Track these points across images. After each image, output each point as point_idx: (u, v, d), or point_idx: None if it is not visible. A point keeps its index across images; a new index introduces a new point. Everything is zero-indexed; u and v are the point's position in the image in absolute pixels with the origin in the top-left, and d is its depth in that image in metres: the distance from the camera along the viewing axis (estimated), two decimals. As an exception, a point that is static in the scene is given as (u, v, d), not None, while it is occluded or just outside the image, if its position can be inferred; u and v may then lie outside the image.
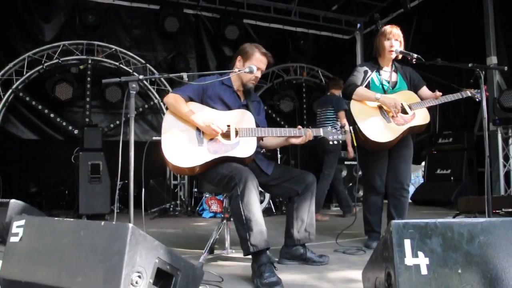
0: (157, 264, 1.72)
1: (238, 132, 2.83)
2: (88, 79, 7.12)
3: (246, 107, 3.05)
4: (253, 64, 2.92)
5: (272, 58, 3.05)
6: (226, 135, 2.82)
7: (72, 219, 1.80)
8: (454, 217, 4.83)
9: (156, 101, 7.62)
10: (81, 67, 7.18)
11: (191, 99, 2.91)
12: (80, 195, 5.43)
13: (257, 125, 2.93)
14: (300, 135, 2.89)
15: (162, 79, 7.64)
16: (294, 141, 2.93)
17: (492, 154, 6.23)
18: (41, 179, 6.77)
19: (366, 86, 3.45)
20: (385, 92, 3.45)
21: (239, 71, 2.90)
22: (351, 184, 7.11)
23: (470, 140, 6.85)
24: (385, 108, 3.34)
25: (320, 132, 2.94)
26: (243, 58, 3.02)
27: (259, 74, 3.00)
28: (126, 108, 2.52)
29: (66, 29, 7.37)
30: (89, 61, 7.12)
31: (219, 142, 2.79)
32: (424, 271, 1.56)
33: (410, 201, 3.85)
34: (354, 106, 3.39)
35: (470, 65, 3.07)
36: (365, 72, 3.51)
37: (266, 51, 3.03)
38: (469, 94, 3.41)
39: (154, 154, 3.21)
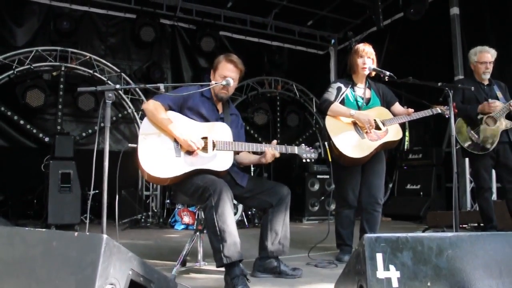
0: (131, 276, 1.71)
1: (216, 145, 2.84)
2: (61, 86, 6.97)
3: (223, 119, 3.06)
4: (220, 73, 2.95)
5: (241, 64, 3.04)
6: (204, 148, 2.83)
7: (43, 229, 1.77)
8: (423, 231, 4.95)
9: (130, 110, 7.54)
10: (54, 73, 7.03)
11: (170, 108, 2.91)
12: (50, 204, 5.28)
13: (233, 139, 2.95)
14: (275, 150, 2.92)
15: (137, 89, 7.59)
16: (263, 161, 2.96)
17: (460, 170, 6.41)
18: (8, 187, 6.54)
19: (340, 102, 3.51)
20: (359, 108, 3.52)
21: (216, 83, 2.92)
22: (323, 197, 7.19)
23: (439, 156, 7.03)
24: (359, 124, 3.41)
25: (295, 150, 2.98)
26: (213, 69, 3.05)
27: (231, 83, 2.97)
28: (101, 117, 2.51)
29: (39, 35, 7.22)
30: (63, 68, 6.99)
31: (196, 154, 2.79)
32: (395, 283, 1.60)
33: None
34: (329, 122, 3.44)
35: (439, 84, 3.18)
36: (339, 89, 3.58)
37: (234, 58, 3.02)
38: (439, 111, 3.53)
39: (126, 164, 3.19)
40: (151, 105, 2.85)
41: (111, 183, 2.40)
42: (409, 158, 7.36)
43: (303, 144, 3.03)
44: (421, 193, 6.93)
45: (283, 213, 2.92)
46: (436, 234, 1.74)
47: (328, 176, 7.15)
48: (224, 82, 2.89)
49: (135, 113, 7.48)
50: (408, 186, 7.21)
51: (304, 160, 2.98)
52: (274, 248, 2.92)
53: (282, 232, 2.93)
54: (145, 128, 2.83)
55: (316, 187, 7.23)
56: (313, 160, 3.00)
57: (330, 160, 3.21)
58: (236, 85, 2.97)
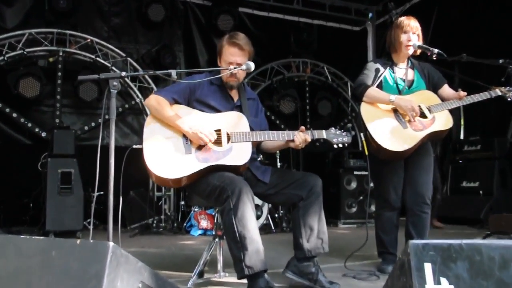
0: (141, 289, 1.72)
1: (230, 137, 2.87)
2: (59, 74, 7.04)
3: (240, 108, 3.08)
4: (225, 60, 2.99)
5: (248, 44, 3.03)
6: (217, 141, 2.86)
7: (41, 237, 1.80)
8: (484, 237, 4.83)
9: (138, 100, 7.61)
10: (51, 59, 7.10)
11: (176, 102, 2.96)
12: (48, 208, 5.36)
13: (252, 128, 2.96)
14: (300, 138, 2.92)
15: (147, 76, 7.65)
16: (291, 144, 2.98)
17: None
18: (0, 189, 6.62)
19: (378, 86, 3.47)
20: (400, 92, 3.48)
21: (234, 68, 2.92)
22: (361, 197, 7.16)
23: (503, 147, 6.79)
24: (400, 112, 3.37)
25: (323, 134, 2.98)
26: (218, 54, 3.08)
27: (235, 71, 2.98)
28: (106, 109, 2.56)
29: (32, 16, 7.25)
30: (60, 53, 7.07)
31: (209, 149, 2.83)
32: (448, 300, 1.57)
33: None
34: (365, 109, 3.41)
35: (501, 61, 3.10)
36: (377, 70, 3.53)
37: (239, 38, 3.01)
38: (500, 93, 3.42)
39: (135, 161, 3.23)
40: (153, 101, 2.91)
41: (118, 184, 2.45)
42: (465, 150, 7.19)
43: (332, 128, 3.02)
44: (481, 192, 6.73)
45: (316, 205, 2.91)
46: (499, 241, 1.68)
47: (367, 173, 7.09)
48: (244, 67, 2.88)
49: (144, 103, 7.54)
50: (464, 184, 7.06)
51: (335, 146, 2.99)
52: (312, 245, 2.89)
53: (317, 226, 2.91)
54: (149, 126, 2.89)
55: (353, 185, 7.22)
56: (346, 145, 3.01)
57: (366, 154, 3.18)
58: (250, 68, 2.92)
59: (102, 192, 5.07)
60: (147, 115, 3.06)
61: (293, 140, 2.94)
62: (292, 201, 2.98)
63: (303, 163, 8.19)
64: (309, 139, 2.94)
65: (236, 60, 2.97)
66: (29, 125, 6.90)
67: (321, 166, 7.83)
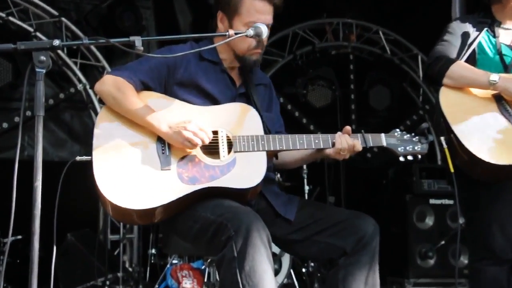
0: None
1: (233, 143, 2.89)
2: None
3: (247, 97, 3.12)
4: (246, 19, 2.98)
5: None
6: (212, 150, 2.87)
7: None
8: None
9: (80, 86, 7.62)
10: None
11: (146, 86, 2.98)
12: None
13: (267, 130, 2.99)
14: (343, 143, 2.93)
15: (93, 47, 7.67)
16: (329, 152, 2.99)
17: None
18: None
19: (469, 60, 3.48)
20: (507, 68, 3.48)
21: (235, 35, 2.84)
22: (443, 242, 7.12)
23: None
24: (508, 100, 3.38)
25: (381, 139, 2.99)
26: (225, 13, 3.10)
27: (264, 36, 2.98)
28: (28, 100, 2.57)
29: None
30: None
31: (198, 161, 2.84)
32: None
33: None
34: (448, 97, 3.42)
35: None
36: (466, 35, 3.55)
37: None
38: None
39: (77, 184, 3.25)
40: (110, 85, 2.93)
41: (49, 221, 2.45)
42: None
43: (397, 130, 3.03)
44: None
45: (366, 263, 2.95)
46: None
47: (452, 202, 7.10)
48: (251, 32, 2.82)
49: (91, 92, 7.57)
50: None
51: (401, 159, 3.01)
52: None
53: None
54: (103, 124, 2.91)
55: (429, 221, 7.20)
56: (419, 158, 3.01)
57: (451, 170, 3.17)
58: (261, 33, 2.92)
59: (19, 236, 5.11)
60: (95, 110, 3.04)
61: (331, 147, 2.94)
62: (328, 256, 3.01)
63: (346, 185, 8.08)
64: (358, 147, 2.94)
65: (266, 20, 3.01)
66: None
67: (376, 190, 7.82)
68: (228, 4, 3.06)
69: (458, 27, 3.58)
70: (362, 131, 3.01)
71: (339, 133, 2.95)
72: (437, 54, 3.49)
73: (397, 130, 3.05)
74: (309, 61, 8.77)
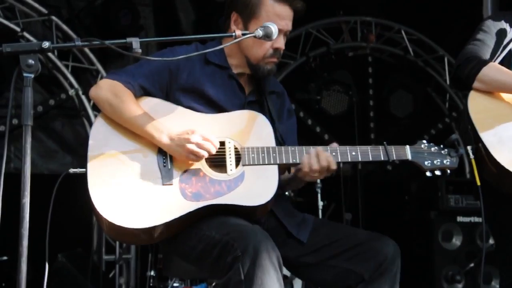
0: None
1: (242, 156, 2.89)
2: None
3: (258, 105, 3.13)
4: (265, 23, 2.91)
5: (301, 2, 3.13)
6: (218, 162, 2.88)
7: None
8: None
9: (71, 92, 7.63)
10: None
11: (145, 92, 2.98)
12: None
13: (280, 141, 3.00)
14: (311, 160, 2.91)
15: (87, 50, 7.68)
16: (299, 174, 2.99)
17: None
18: None
19: (503, 62, 3.47)
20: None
21: (242, 35, 2.82)
22: (472, 265, 7.11)
23: None
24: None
25: (406, 152, 3.00)
26: (241, 15, 3.10)
27: (281, 44, 3.05)
28: (14, 107, 2.57)
29: None
30: None
31: (203, 175, 2.84)
32: None
33: None
34: (477, 103, 3.40)
35: None
36: (502, 33, 3.53)
37: None
38: None
39: (69, 199, 3.26)
40: (107, 90, 2.93)
41: (39, 241, 2.45)
42: None
43: (423, 141, 3.04)
44: None
45: (387, 290, 2.95)
46: None
47: (479, 219, 7.05)
48: (260, 32, 2.80)
49: (84, 98, 7.59)
50: None
51: (428, 174, 2.99)
52: None
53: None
54: (99, 133, 2.91)
55: (457, 241, 7.19)
56: (448, 173, 3.00)
57: (478, 183, 3.16)
58: (271, 33, 2.92)
59: (5, 258, 5.12)
60: (89, 118, 3.01)
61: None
62: (344, 282, 3.02)
63: (365, 201, 8.11)
64: (332, 166, 2.91)
65: (286, 26, 3.05)
66: None
67: (397, 206, 7.80)
68: (245, 6, 3.06)
69: (493, 25, 3.56)
70: (385, 143, 3.00)
71: (311, 150, 2.91)
72: (468, 55, 3.45)
73: (424, 141, 3.03)
74: (324, 64, 8.76)
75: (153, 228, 2.75)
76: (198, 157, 2.80)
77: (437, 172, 2.98)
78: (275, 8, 3.03)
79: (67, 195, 3.26)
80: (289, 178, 3.17)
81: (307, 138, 7.69)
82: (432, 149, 2.99)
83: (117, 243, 7.39)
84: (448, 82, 8.97)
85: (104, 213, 2.72)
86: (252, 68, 3.09)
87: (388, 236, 3.02)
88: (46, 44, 2.42)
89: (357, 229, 3.33)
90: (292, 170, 3.09)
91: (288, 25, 3.06)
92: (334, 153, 2.92)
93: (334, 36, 8.90)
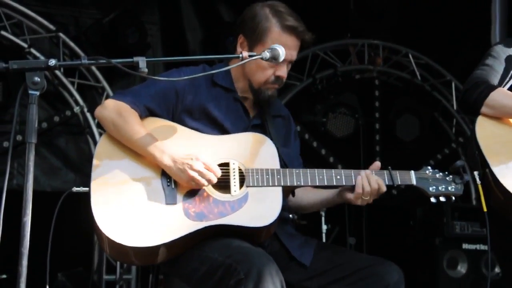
0: None
1: (246, 177, 2.89)
2: None
3: (261, 130, 3.13)
4: (272, 46, 2.92)
5: (309, 33, 3.13)
6: (222, 183, 2.88)
7: None
8: None
9: (76, 109, 7.62)
10: None
11: (151, 113, 2.99)
12: None
13: (284, 164, 2.99)
14: (365, 184, 2.93)
15: (94, 68, 7.68)
16: (349, 196, 2.99)
17: None
18: None
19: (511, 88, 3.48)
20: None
21: (249, 57, 2.82)
22: (479, 292, 7.06)
23: None
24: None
25: (411, 177, 2.99)
26: (248, 39, 3.12)
27: (283, 73, 3.07)
28: (19, 123, 2.55)
29: None
30: None
31: (206, 196, 2.84)
32: None
33: None
34: (485, 128, 3.41)
35: None
36: (510, 60, 3.54)
37: (296, 20, 3.10)
38: None
39: (71, 218, 3.25)
40: (112, 110, 2.94)
41: (40, 259, 2.44)
42: None
43: (428, 167, 3.02)
44: None
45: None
46: None
47: (485, 247, 7.03)
48: (267, 54, 2.80)
49: (89, 115, 7.58)
50: None
51: (433, 200, 3.00)
52: None
53: None
54: (103, 153, 2.91)
55: (462, 269, 7.15)
56: (453, 199, 3.00)
57: (484, 209, 3.15)
58: (278, 55, 2.92)
59: (5, 276, 5.10)
60: (94, 135, 3.02)
61: (352, 189, 2.94)
62: None
63: (369, 225, 8.13)
64: (383, 188, 2.94)
65: (291, 55, 3.05)
66: None
67: (402, 232, 7.78)
68: (253, 30, 3.08)
69: (502, 51, 3.57)
70: (389, 167, 2.99)
71: (362, 172, 2.93)
72: (476, 80, 3.47)
73: (429, 167, 3.02)
74: (330, 86, 8.74)
75: (155, 247, 2.75)
76: (198, 185, 2.80)
77: (442, 198, 2.97)
78: (282, 37, 3.04)
79: (69, 213, 3.25)
80: (324, 200, 3.18)
81: (311, 160, 7.66)
82: (437, 175, 2.99)
83: (118, 263, 7.33)
84: (455, 107, 8.95)
85: (105, 230, 2.72)
86: (254, 92, 3.11)
87: (392, 262, 2.99)
88: (52, 62, 2.41)
89: (361, 253, 3.32)
90: (330, 194, 3.09)
91: (293, 55, 3.08)
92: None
93: (341, 58, 8.90)
